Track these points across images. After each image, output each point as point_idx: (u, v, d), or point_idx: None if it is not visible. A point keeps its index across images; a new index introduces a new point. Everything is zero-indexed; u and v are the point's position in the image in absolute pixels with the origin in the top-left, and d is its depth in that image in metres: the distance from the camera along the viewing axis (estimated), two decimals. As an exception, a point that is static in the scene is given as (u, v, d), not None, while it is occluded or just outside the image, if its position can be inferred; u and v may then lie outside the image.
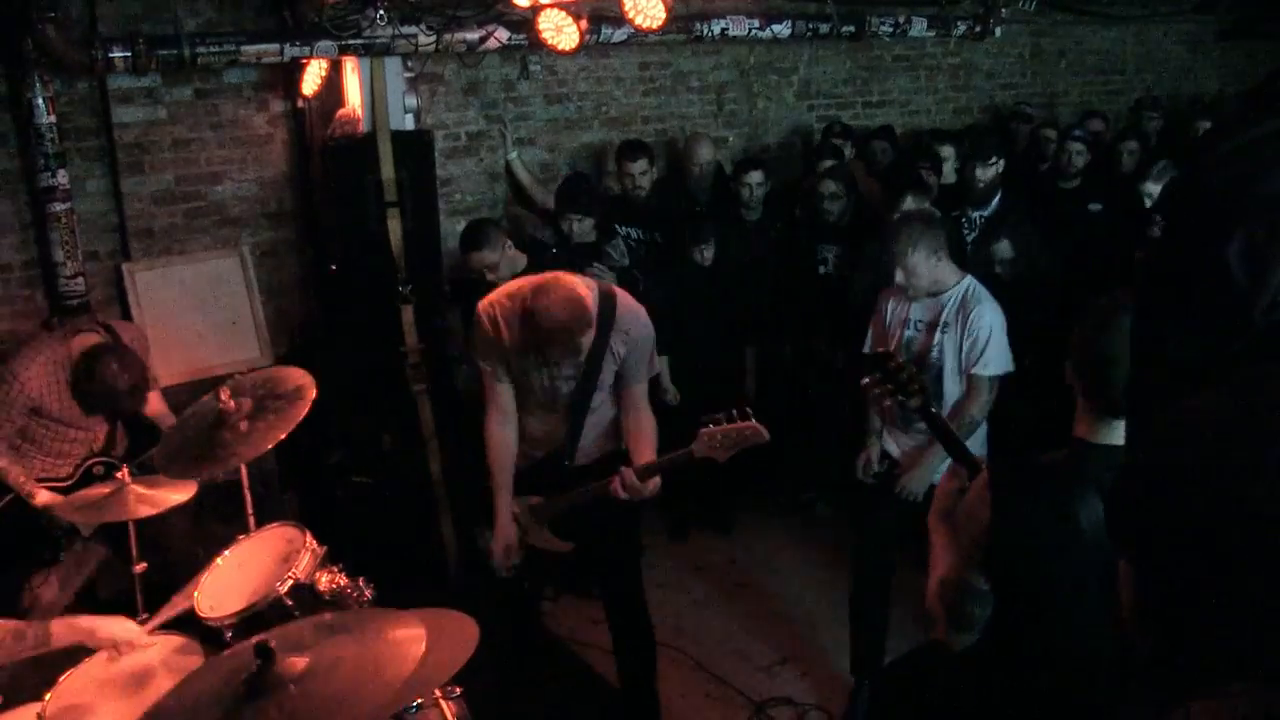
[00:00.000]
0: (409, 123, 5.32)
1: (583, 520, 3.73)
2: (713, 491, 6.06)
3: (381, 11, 4.88)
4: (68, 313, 5.00)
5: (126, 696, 2.96)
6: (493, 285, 4.16)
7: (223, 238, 5.69)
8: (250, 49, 4.92)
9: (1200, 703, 0.91)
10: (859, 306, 5.40)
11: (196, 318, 5.46)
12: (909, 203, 5.27)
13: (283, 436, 3.57)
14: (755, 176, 6.02)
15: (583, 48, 5.26)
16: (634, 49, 6.58)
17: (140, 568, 3.91)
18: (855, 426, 4.54)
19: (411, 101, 5.36)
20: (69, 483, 4.40)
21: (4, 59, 4.90)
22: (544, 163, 6.59)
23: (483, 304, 3.79)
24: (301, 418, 3.60)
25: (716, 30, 6.10)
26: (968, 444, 3.46)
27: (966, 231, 5.82)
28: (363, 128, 5.13)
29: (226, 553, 3.54)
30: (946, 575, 2.34)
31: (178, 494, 3.72)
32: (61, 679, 3.01)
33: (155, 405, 4.68)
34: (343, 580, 3.26)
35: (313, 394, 3.67)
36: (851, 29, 6.59)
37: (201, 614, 3.25)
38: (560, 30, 4.98)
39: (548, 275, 3.60)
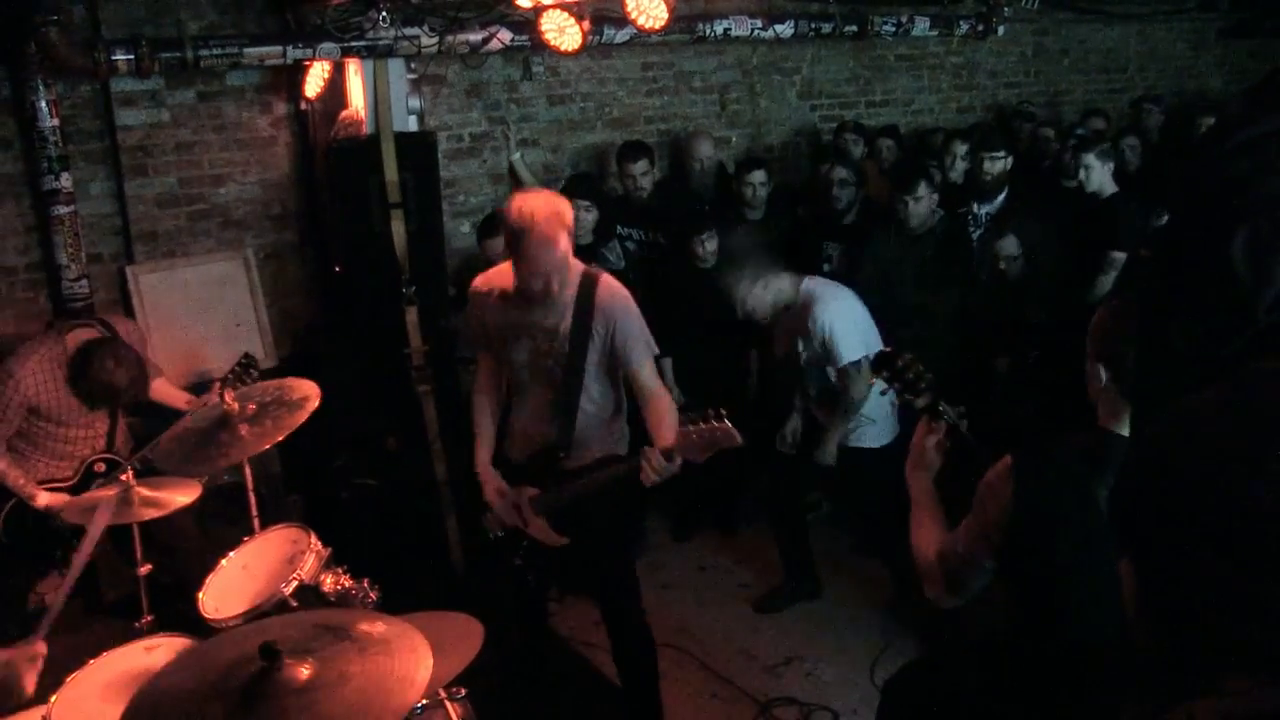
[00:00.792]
0: (412, 124, 5.33)
1: (577, 520, 3.72)
2: (717, 492, 6.06)
3: (384, 13, 4.88)
4: (72, 315, 5.01)
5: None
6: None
7: (226, 240, 5.69)
8: (253, 51, 4.93)
9: (1202, 701, 0.91)
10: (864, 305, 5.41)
11: (200, 320, 5.47)
12: (921, 189, 5.27)
13: (280, 438, 3.59)
14: (758, 176, 6.02)
15: (585, 48, 5.26)
16: (637, 49, 6.59)
17: (145, 570, 3.91)
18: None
19: (415, 103, 5.36)
20: (72, 482, 4.40)
21: (7, 62, 4.91)
22: (547, 164, 6.59)
23: (475, 281, 3.86)
24: (299, 424, 3.65)
25: (719, 30, 6.10)
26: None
27: (972, 229, 5.82)
28: (366, 129, 5.13)
29: (231, 554, 3.55)
30: (956, 548, 2.37)
31: (183, 496, 3.72)
32: (67, 680, 3.01)
33: (164, 390, 4.70)
34: (347, 582, 3.26)
35: (315, 404, 3.75)
36: (854, 28, 6.59)
37: (206, 615, 3.26)
38: (563, 31, 4.98)
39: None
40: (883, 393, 2.91)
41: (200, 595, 3.35)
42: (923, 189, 5.27)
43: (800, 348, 4.76)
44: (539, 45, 5.23)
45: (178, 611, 3.75)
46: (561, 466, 3.72)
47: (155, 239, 5.51)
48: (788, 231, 6.17)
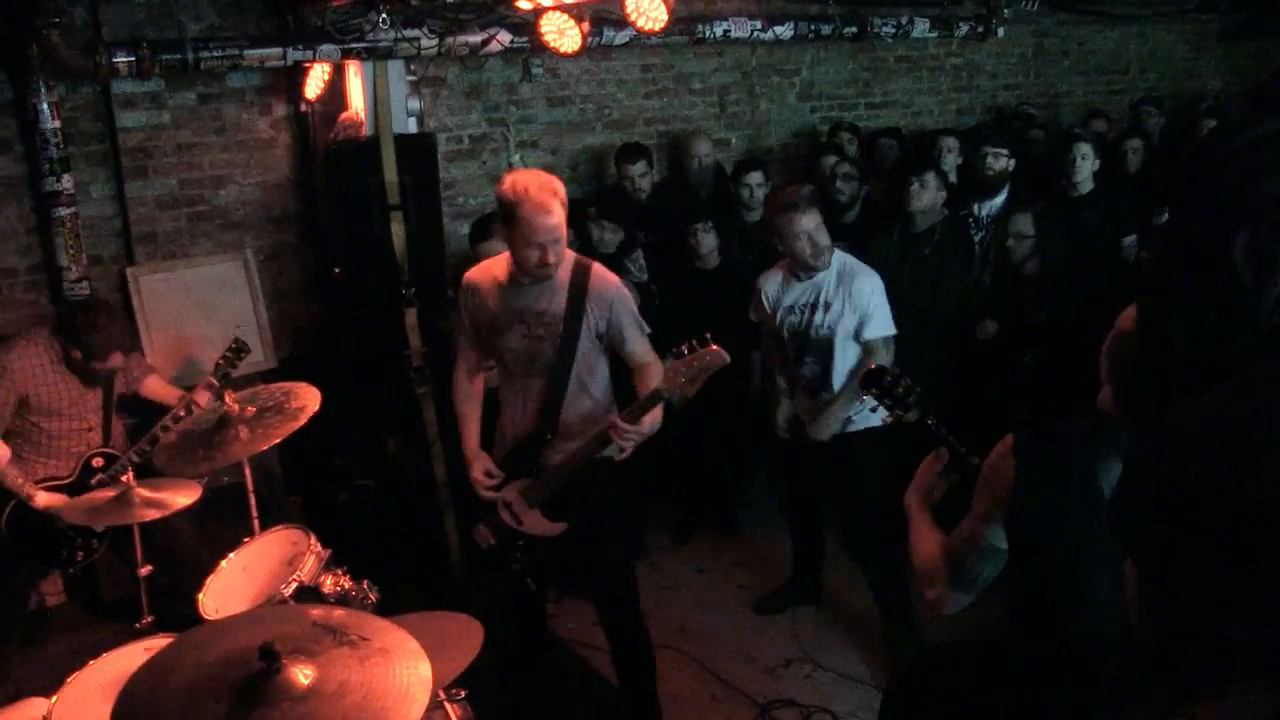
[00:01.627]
0: (411, 126, 5.33)
1: (573, 499, 3.72)
2: (716, 493, 6.06)
3: (384, 15, 4.89)
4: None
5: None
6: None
7: (226, 242, 5.69)
8: (253, 53, 4.93)
9: (1205, 704, 0.91)
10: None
11: (200, 322, 5.47)
12: (930, 177, 5.26)
13: (275, 442, 3.61)
14: (755, 177, 6.03)
15: (585, 50, 5.27)
16: (636, 51, 6.59)
17: (145, 570, 3.92)
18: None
19: (414, 105, 5.37)
20: (70, 480, 4.39)
21: (8, 64, 4.92)
22: (546, 165, 6.59)
23: (469, 272, 3.91)
24: (293, 430, 3.71)
25: (719, 32, 6.10)
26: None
27: (973, 230, 5.81)
28: (365, 131, 5.14)
29: (231, 555, 3.56)
30: (960, 535, 2.36)
31: (183, 497, 3.73)
32: (68, 680, 3.01)
33: (156, 386, 4.71)
34: (347, 583, 3.27)
35: (312, 412, 3.84)
36: (854, 30, 6.59)
37: (206, 616, 3.26)
38: (562, 33, 4.98)
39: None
40: (872, 409, 2.90)
41: (200, 596, 3.35)
42: (931, 177, 5.27)
43: (809, 319, 4.52)
44: (538, 47, 5.23)
45: (178, 612, 3.76)
46: (547, 456, 3.72)
47: (155, 240, 5.52)
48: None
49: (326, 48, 4.95)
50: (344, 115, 5.27)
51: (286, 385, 4.15)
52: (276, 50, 4.95)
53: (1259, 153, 1.11)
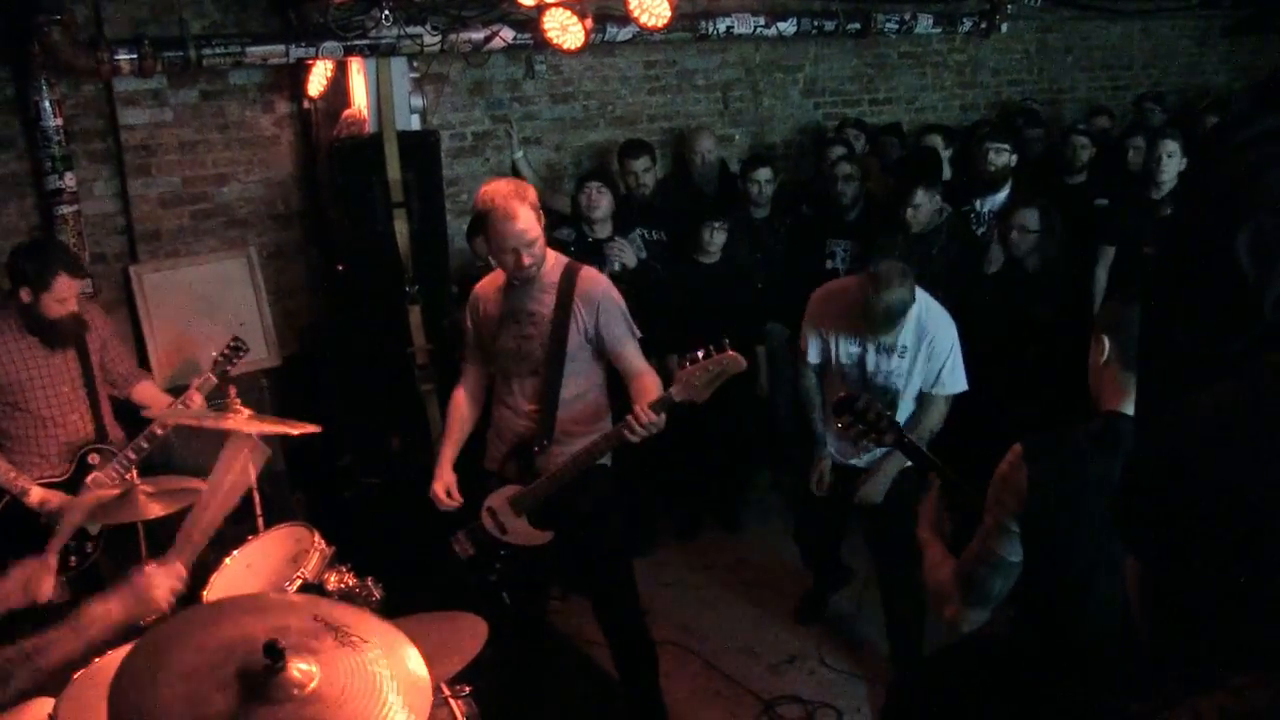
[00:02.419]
0: (415, 123, 5.33)
1: (562, 508, 3.72)
2: (721, 490, 6.06)
3: (387, 12, 4.89)
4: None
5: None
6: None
7: (230, 239, 5.70)
8: (256, 50, 4.93)
9: (1207, 697, 0.91)
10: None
11: (204, 319, 5.47)
12: (919, 197, 5.26)
13: (260, 432, 3.62)
14: (764, 173, 6.04)
15: (588, 47, 5.26)
16: (639, 48, 6.58)
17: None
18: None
19: (417, 102, 5.36)
20: (66, 477, 4.36)
21: (11, 62, 4.92)
22: (550, 162, 6.59)
23: (477, 286, 4.00)
24: (285, 433, 3.75)
25: (722, 28, 6.10)
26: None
27: (975, 227, 5.81)
28: (369, 128, 5.14)
29: (235, 553, 3.56)
30: (972, 551, 2.36)
31: (187, 494, 3.73)
32: (74, 678, 3.01)
33: (148, 392, 4.66)
34: (351, 580, 3.26)
35: (300, 433, 3.88)
36: (857, 26, 6.59)
37: (211, 614, 3.26)
38: (565, 29, 4.98)
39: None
40: (847, 436, 2.92)
41: (205, 593, 3.35)
42: (920, 196, 5.24)
43: (877, 362, 4.22)
44: (541, 43, 5.23)
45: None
46: (539, 463, 3.73)
47: (158, 238, 5.52)
48: (792, 229, 6.17)
49: (329, 45, 4.95)
50: (347, 112, 5.27)
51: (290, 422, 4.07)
52: (279, 47, 4.95)
53: (1262, 147, 1.11)
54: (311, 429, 3.92)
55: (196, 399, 4.34)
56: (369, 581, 3.28)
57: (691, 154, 6.45)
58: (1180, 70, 9.56)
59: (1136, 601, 1.06)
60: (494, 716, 3.23)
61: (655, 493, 5.84)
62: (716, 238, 5.51)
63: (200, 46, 4.84)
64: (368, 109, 5.14)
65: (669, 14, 4.83)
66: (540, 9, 4.94)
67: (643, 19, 4.88)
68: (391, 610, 2.98)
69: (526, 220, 3.56)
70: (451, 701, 2.99)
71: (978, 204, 5.90)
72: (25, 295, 4.17)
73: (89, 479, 4.34)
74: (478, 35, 5.27)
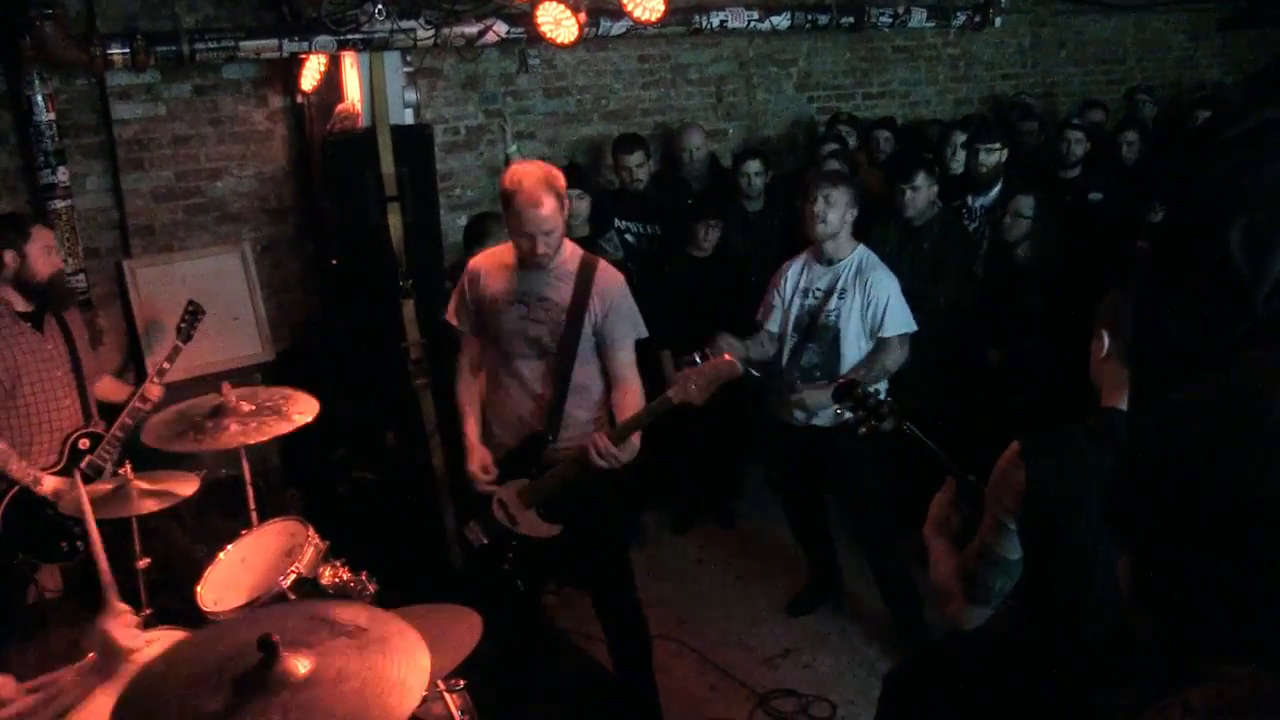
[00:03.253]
0: (408, 117, 5.32)
1: (570, 500, 3.73)
2: (715, 485, 6.07)
3: (380, 6, 4.87)
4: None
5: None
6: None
7: (223, 234, 5.69)
8: (249, 45, 4.92)
9: (1198, 689, 0.91)
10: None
11: (198, 314, 5.45)
12: (921, 179, 5.26)
13: (264, 439, 3.62)
14: (754, 165, 6.03)
15: (581, 41, 5.25)
16: (633, 42, 6.58)
17: (143, 563, 3.91)
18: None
19: (411, 96, 5.35)
20: (59, 465, 4.36)
21: (2, 57, 4.90)
22: (543, 156, 6.57)
23: (474, 259, 3.98)
24: (285, 431, 3.74)
25: (715, 22, 6.09)
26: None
27: (968, 222, 5.81)
28: (362, 122, 5.13)
29: (229, 547, 3.56)
30: (974, 546, 2.36)
31: (181, 489, 3.73)
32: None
33: (107, 386, 4.67)
34: (345, 574, 3.26)
35: (304, 422, 3.86)
36: (851, 20, 6.58)
37: (205, 608, 3.26)
38: (559, 23, 4.97)
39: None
40: (849, 423, 2.91)
41: (198, 588, 3.35)
42: (921, 179, 5.25)
43: (821, 304, 4.54)
44: (535, 38, 5.22)
45: (175, 605, 3.75)
46: (548, 453, 3.73)
47: (152, 233, 5.51)
48: (786, 222, 6.17)
49: (322, 39, 4.94)
50: (340, 107, 5.26)
51: (287, 390, 4.14)
52: (272, 42, 4.94)
53: (1255, 142, 1.11)
54: (311, 403, 3.90)
55: (155, 392, 4.40)
56: (363, 576, 3.27)
57: (680, 151, 6.44)
58: (1173, 64, 9.58)
59: (1127, 590, 1.06)
60: (489, 710, 3.23)
61: (650, 487, 5.84)
62: (711, 235, 5.51)
63: (193, 41, 4.82)
64: (361, 103, 5.13)
65: (662, 8, 4.83)
66: (534, 3, 4.94)
67: (636, 13, 4.87)
68: (386, 604, 2.98)
69: (549, 208, 3.55)
70: (446, 695, 3.00)
71: (970, 199, 5.90)
72: (11, 259, 4.18)
73: (83, 463, 4.35)
74: (471, 29, 5.26)
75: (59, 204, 5.00)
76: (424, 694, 2.88)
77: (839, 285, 4.51)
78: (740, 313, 5.71)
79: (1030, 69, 8.75)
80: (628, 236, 5.95)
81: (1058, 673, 2.25)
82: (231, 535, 3.67)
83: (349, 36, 4.94)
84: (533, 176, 3.54)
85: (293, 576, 3.19)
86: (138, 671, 2.17)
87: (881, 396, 2.83)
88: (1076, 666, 2.18)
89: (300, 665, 2.02)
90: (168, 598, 3.84)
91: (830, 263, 4.55)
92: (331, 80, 5.32)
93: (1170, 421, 1.00)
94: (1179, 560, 0.96)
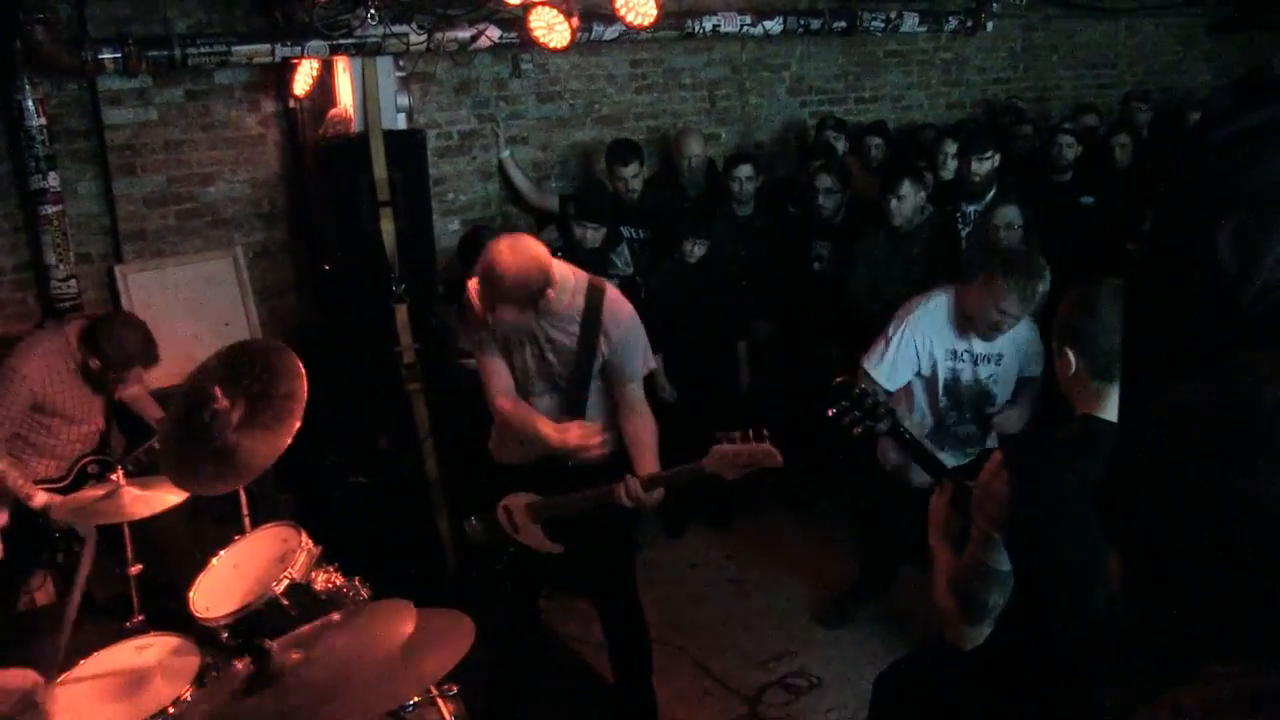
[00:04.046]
0: (401, 122, 5.32)
1: (577, 525, 3.71)
2: (710, 488, 6.06)
3: (372, 11, 4.88)
4: (60, 315, 5.00)
5: (123, 698, 2.96)
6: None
7: (215, 239, 5.67)
8: (241, 50, 4.91)
9: (1186, 689, 0.91)
10: (855, 303, 5.41)
11: (190, 319, 5.44)
12: (906, 188, 5.27)
13: (278, 453, 3.50)
14: (745, 170, 6.02)
15: (574, 45, 5.25)
16: (626, 46, 6.58)
17: (136, 570, 3.91)
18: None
19: (403, 100, 5.35)
20: (64, 483, 4.39)
21: (-7, 61, 4.89)
22: (537, 161, 6.59)
23: (471, 283, 3.80)
24: (295, 428, 3.52)
25: (708, 27, 6.11)
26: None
27: (961, 227, 5.82)
28: (355, 127, 5.13)
29: (222, 553, 3.55)
30: (963, 562, 2.36)
31: (173, 495, 3.72)
32: (58, 680, 3.00)
33: (140, 400, 4.70)
34: (339, 580, 3.26)
35: (303, 402, 3.57)
36: (843, 24, 6.61)
37: (197, 614, 3.26)
38: (552, 28, 4.97)
39: (510, 233, 3.63)
40: (843, 425, 2.87)
41: (191, 594, 3.35)
42: (906, 187, 5.25)
43: (980, 366, 4.32)
44: (528, 42, 5.23)
45: (168, 610, 3.74)
46: (568, 468, 3.70)
47: (144, 238, 5.49)
48: (777, 228, 6.18)
49: (315, 44, 4.94)
50: (333, 111, 5.26)
51: (262, 351, 3.75)
52: (264, 46, 4.94)
53: (1243, 144, 1.12)
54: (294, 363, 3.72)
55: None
56: (356, 581, 3.27)
57: (680, 158, 6.42)
58: (1165, 69, 9.61)
59: (1118, 594, 1.07)
60: (482, 716, 3.23)
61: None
62: (696, 250, 5.52)
63: (185, 45, 4.82)
64: (353, 108, 5.13)
65: (655, 13, 4.83)
66: (526, 8, 4.94)
67: (629, 18, 4.88)
68: (379, 609, 2.97)
69: (513, 317, 3.44)
70: (439, 701, 2.99)
71: (963, 205, 5.91)
72: (94, 364, 4.31)
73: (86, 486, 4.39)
74: (464, 34, 5.26)
75: (50, 209, 4.98)
76: (417, 693, 2.89)
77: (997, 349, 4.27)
78: (729, 317, 5.73)
79: (1022, 73, 8.77)
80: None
81: (1048, 674, 2.25)
82: (224, 540, 3.66)
83: (341, 41, 4.94)
84: (521, 261, 3.35)
85: (286, 582, 3.18)
86: None
87: (880, 397, 2.81)
88: (1067, 667, 2.18)
89: (292, 656, 2.05)
90: (169, 602, 3.82)
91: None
92: (324, 85, 5.32)
93: (1160, 422, 1.00)
94: (1169, 560, 0.97)
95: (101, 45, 4.70)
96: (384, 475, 5.35)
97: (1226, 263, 1.05)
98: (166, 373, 5.15)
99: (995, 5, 6.99)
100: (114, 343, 4.27)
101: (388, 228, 5.12)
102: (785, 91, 7.56)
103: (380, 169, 5.06)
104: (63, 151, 5.14)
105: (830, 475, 5.82)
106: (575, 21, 5.00)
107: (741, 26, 6.21)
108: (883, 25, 6.78)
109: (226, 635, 3.15)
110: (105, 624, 4.39)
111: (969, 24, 7.01)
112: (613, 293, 3.68)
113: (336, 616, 2.24)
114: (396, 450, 5.41)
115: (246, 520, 3.99)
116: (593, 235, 5.51)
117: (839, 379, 2.91)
